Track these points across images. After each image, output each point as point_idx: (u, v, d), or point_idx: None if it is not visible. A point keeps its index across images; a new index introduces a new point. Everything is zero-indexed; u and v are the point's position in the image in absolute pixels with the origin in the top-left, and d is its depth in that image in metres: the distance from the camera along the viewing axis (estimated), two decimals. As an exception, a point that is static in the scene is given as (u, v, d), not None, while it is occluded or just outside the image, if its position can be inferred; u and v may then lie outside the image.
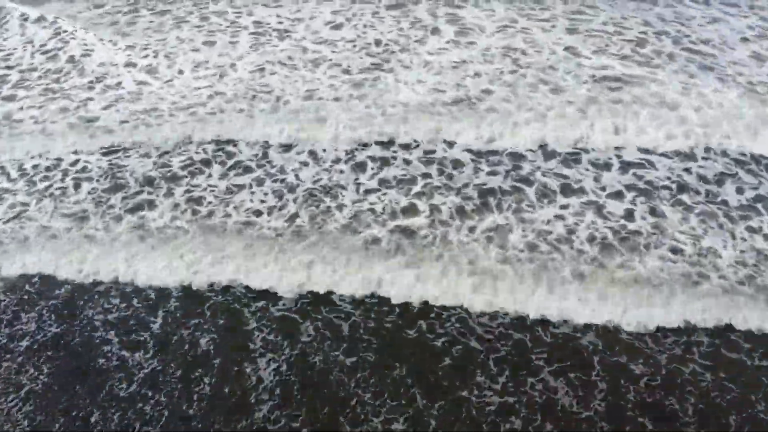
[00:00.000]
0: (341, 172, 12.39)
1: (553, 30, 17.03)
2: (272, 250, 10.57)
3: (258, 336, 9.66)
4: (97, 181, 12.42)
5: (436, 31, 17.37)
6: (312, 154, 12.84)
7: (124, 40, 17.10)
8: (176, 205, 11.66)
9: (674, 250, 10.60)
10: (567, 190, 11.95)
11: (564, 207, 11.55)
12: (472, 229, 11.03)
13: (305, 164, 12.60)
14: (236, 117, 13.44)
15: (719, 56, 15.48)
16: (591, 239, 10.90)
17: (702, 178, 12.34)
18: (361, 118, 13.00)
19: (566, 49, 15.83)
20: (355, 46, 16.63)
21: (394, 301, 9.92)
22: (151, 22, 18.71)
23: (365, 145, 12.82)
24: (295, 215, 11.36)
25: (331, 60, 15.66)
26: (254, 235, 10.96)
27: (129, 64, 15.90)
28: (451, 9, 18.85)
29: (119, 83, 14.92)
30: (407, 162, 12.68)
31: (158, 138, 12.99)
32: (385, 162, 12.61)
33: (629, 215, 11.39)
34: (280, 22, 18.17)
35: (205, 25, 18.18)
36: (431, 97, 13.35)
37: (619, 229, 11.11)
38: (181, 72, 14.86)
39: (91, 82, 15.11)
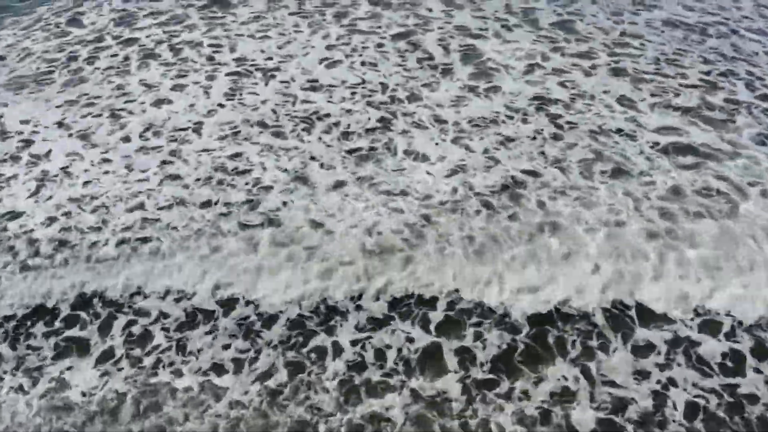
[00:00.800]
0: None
1: (595, 72, 13.07)
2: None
3: None
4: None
5: (448, 71, 13.42)
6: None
7: (75, 89, 13.05)
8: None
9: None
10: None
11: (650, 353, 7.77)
12: (525, 396, 7.28)
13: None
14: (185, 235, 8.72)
15: (808, 110, 11.61)
16: (691, 413, 7.18)
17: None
18: (367, 233, 8.60)
19: (617, 100, 11.93)
20: (354, 93, 12.69)
21: None
22: (114, 56, 14.72)
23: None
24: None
25: (327, 115, 11.72)
26: None
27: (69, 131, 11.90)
28: (466, 39, 14.90)
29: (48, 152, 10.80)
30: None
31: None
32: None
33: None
34: (268, 58, 14.19)
35: (177, 62, 14.20)
36: (459, 185, 9.38)
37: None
38: (127, 140, 10.84)
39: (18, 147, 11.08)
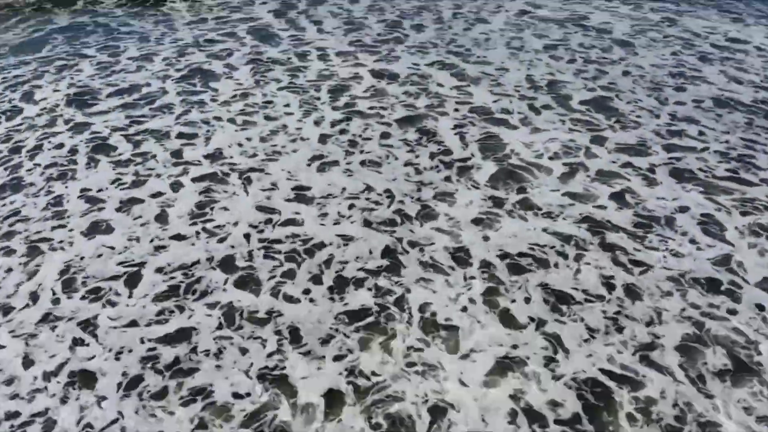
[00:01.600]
0: None
1: (656, 177, 9.58)
2: None
3: None
4: None
5: (466, 171, 9.94)
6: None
7: (3, 203, 9.50)
8: None
9: None
10: None
11: None
12: None
13: None
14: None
15: None
16: None
17: None
18: None
19: (698, 222, 8.41)
20: (352, 206, 9.18)
21: None
22: (60, 147, 11.20)
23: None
24: None
25: (319, 246, 8.20)
26: None
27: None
28: (486, 126, 11.45)
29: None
30: None
31: None
32: None
33: None
34: (251, 156, 10.68)
35: (135, 160, 10.67)
36: (515, 406, 5.72)
37: None
38: (34, 300, 7.11)
39: None
